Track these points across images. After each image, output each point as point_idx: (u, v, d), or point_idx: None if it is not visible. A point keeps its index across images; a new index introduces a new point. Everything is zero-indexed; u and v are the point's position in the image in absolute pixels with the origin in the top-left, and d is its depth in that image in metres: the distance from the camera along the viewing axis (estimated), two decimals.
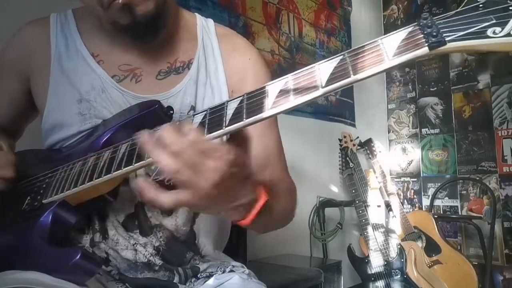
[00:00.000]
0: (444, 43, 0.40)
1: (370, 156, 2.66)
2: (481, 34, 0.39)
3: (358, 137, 2.65)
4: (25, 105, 0.81)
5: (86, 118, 0.71)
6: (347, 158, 2.47)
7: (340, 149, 2.55)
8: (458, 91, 2.94)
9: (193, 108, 0.75)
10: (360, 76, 0.43)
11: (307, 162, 2.45)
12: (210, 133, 0.49)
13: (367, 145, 2.70)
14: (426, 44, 0.41)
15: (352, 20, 3.03)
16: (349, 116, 2.85)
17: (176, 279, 0.69)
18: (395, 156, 3.25)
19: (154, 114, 0.65)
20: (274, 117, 0.50)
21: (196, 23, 0.82)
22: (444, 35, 0.40)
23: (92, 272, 0.57)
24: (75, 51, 0.74)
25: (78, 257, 0.55)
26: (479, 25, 0.39)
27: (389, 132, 3.30)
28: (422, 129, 3.11)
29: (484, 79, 2.82)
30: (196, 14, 0.85)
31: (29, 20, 0.80)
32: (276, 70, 2.31)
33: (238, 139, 0.53)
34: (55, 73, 0.73)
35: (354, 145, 2.53)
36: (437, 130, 3.03)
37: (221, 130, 0.48)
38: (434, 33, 0.41)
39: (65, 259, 0.56)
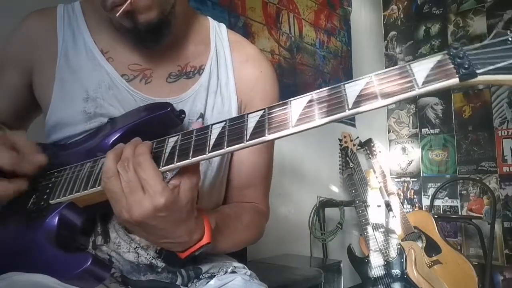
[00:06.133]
0: (475, 75, 0.40)
1: (370, 156, 2.66)
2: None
3: (358, 137, 2.65)
4: (27, 100, 0.77)
5: (91, 117, 0.68)
6: (347, 158, 2.47)
7: (340, 149, 2.55)
8: (458, 91, 2.94)
9: (202, 115, 0.73)
10: (388, 101, 0.43)
11: (307, 162, 2.45)
12: (230, 146, 0.48)
13: (367, 145, 2.70)
14: (457, 75, 0.40)
15: (352, 20, 3.03)
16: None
17: (179, 281, 0.68)
18: (395, 156, 3.25)
19: (166, 117, 0.63)
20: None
21: (209, 27, 0.81)
22: (475, 68, 0.40)
23: (102, 278, 0.56)
24: (84, 46, 0.72)
25: (89, 263, 0.53)
26: (509, 60, 0.39)
27: (389, 132, 3.30)
28: (422, 129, 3.11)
29: None
30: (209, 17, 0.83)
31: (32, 11, 0.75)
32: (276, 70, 2.32)
33: (187, 182, 0.54)
34: (61, 69, 0.70)
35: (354, 145, 2.53)
36: (437, 130, 3.03)
37: (242, 144, 0.48)
38: (466, 65, 0.40)
39: (74, 265, 0.54)
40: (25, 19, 0.75)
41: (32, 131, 0.87)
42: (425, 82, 0.42)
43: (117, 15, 0.61)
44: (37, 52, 0.73)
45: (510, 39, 0.41)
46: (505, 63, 0.39)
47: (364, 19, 3.19)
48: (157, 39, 0.68)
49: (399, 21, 3.31)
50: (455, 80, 0.41)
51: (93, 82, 0.70)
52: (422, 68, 0.42)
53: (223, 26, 0.83)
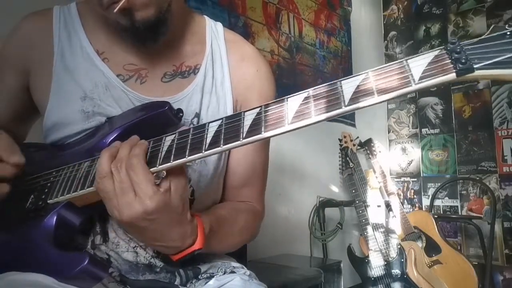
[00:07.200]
0: (472, 70, 0.39)
1: (370, 156, 2.66)
2: (510, 64, 0.38)
3: (358, 137, 2.65)
4: (25, 102, 0.77)
5: (89, 116, 0.68)
6: (347, 158, 2.47)
7: (340, 149, 2.54)
8: (458, 91, 2.94)
9: (197, 115, 0.73)
10: (384, 97, 0.42)
11: (307, 162, 2.45)
12: (226, 144, 0.48)
13: (367, 145, 2.70)
14: (454, 71, 0.40)
15: (352, 20, 3.03)
16: (349, 116, 2.85)
17: (177, 281, 0.68)
18: (395, 156, 3.24)
19: (163, 116, 0.63)
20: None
21: (205, 27, 0.80)
22: (472, 62, 0.39)
23: (99, 278, 0.56)
24: (79, 47, 0.72)
25: (85, 262, 0.54)
26: (507, 55, 0.38)
27: (389, 132, 3.30)
28: (422, 129, 3.11)
29: None
30: (205, 16, 0.83)
31: (29, 12, 0.76)
32: (276, 70, 2.31)
33: (177, 184, 0.54)
34: (58, 70, 0.71)
35: (354, 145, 2.53)
36: (437, 130, 3.03)
37: (238, 142, 0.47)
38: (463, 60, 0.39)
39: (72, 264, 0.55)
40: (21, 21, 0.76)
41: (31, 131, 0.87)
42: (422, 78, 0.41)
43: (114, 11, 0.61)
44: (34, 54, 0.73)
45: (508, 33, 0.39)
46: (503, 57, 0.38)
47: (364, 19, 3.19)
48: (155, 37, 0.69)
49: (399, 21, 3.31)
50: (452, 75, 0.40)
51: (90, 83, 0.70)
52: (419, 64, 0.42)
53: (219, 25, 0.82)
